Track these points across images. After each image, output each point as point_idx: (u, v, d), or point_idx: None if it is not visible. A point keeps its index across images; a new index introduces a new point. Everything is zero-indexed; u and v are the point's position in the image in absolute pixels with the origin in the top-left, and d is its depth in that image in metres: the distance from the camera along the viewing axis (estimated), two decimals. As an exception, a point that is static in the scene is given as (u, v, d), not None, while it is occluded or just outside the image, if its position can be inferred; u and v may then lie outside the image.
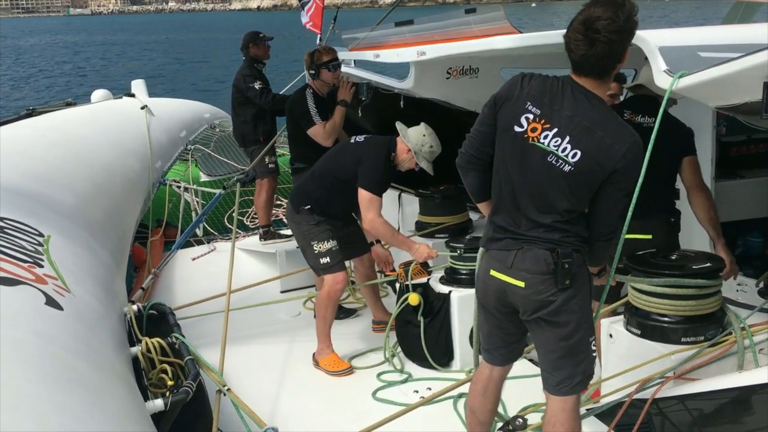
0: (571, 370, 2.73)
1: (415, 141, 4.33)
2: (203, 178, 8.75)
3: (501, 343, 2.95)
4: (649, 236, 3.63)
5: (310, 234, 4.44)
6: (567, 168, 2.58)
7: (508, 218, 2.73)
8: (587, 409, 3.19)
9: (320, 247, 4.40)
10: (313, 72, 5.31)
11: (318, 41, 7.43)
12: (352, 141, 4.52)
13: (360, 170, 4.27)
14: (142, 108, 7.98)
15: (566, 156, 2.57)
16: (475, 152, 2.82)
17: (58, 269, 3.45)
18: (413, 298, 4.36)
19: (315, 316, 4.60)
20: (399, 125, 4.40)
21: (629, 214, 2.81)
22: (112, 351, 3.17)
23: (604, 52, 2.51)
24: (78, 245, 4.26)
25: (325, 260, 4.41)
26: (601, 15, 2.47)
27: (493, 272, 2.77)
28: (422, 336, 4.33)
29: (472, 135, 2.85)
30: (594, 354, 2.80)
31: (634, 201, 2.73)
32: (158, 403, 3.04)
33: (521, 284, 2.67)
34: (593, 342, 2.77)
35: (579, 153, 2.56)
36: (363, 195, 4.25)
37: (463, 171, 2.91)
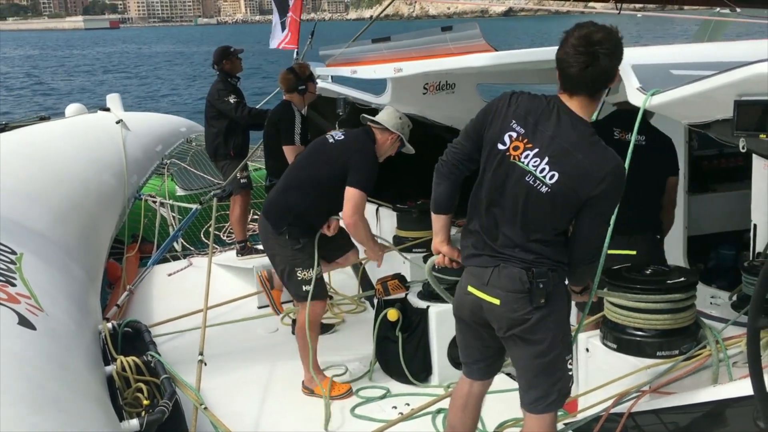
0: (546, 388, 2.74)
1: (396, 125, 4.20)
2: (179, 192, 8.69)
3: (479, 356, 2.96)
4: (634, 252, 3.69)
5: (295, 260, 4.20)
6: (544, 189, 2.59)
7: (486, 234, 2.74)
8: (565, 424, 3.21)
9: (304, 275, 4.19)
10: (303, 87, 5.32)
11: (294, 56, 7.45)
12: (331, 140, 4.23)
13: (352, 169, 4.02)
14: (117, 122, 7.92)
15: (544, 177, 2.59)
16: (457, 163, 2.82)
17: (31, 288, 3.41)
18: (392, 314, 4.36)
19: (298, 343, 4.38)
20: (367, 117, 4.26)
21: (610, 229, 2.84)
22: (86, 371, 3.13)
23: (603, 68, 2.52)
24: (51, 263, 4.20)
25: (307, 288, 4.19)
26: (599, 38, 2.50)
27: (470, 288, 2.79)
28: (401, 351, 4.32)
29: (456, 146, 2.84)
30: (571, 373, 2.80)
31: (613, 219, 2.77)
32: (133, 423, 3.01)
33: (496, 302, 2.69)
34: (570, 360, 2.79)
35: (557, 175, 2.57)
36: (353, 193, 4.01)
37: (440, 178, 2.88)
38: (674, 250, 5.02)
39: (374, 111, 5.55)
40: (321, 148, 4.25)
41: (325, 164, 4.14)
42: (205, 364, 4.28)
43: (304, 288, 4.21)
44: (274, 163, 5.47)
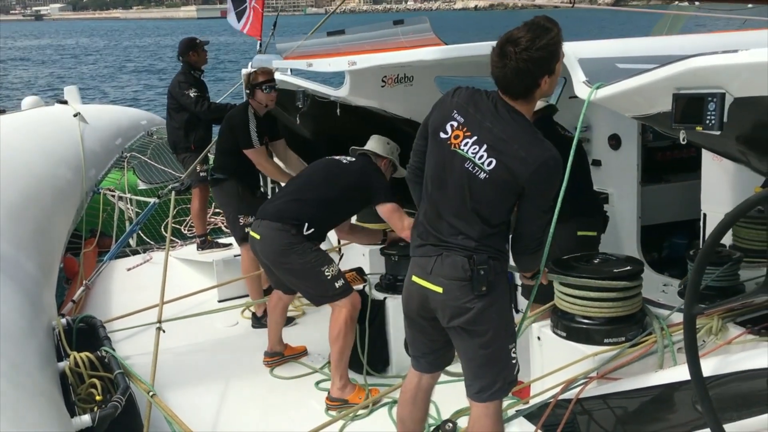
0: (491, 377, 2.80)
1: (385, 150, 4.38)
2: (141, 186, 8.60)
3: (426, 350, 3.01)
4: (594, 233, 3.88)
5: (318, 260, 4.07)
6: (482, 175, 2.66)
7: (431, 224, 2.80)
8: (516, 410, 3.28)
9: (332, 271, 4.07)
10: (248, 92, 5.28)
11: (258, 47, 7.41)
12: (345, 161, 4.36)
13: (375, 189, 4.15)
14: (75, 115, 7.80)
15: (482, 164, 2.65)
16: (420, 165, 2.91)
17: (-20, 285, 3.35)
18: (349, 306, 4.38)
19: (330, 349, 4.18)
20: (356, 149, 4.42)
21: (555, 215, 2.92)
22: (36, 368, 3.10)
23: (512, 76, 2.60)
24: (4, 259, 4.14)
25: (339, 283, 4.08)
26: (518, 39, 2.56)
27: (414, 278, 2.84)
28: (358, 342, 4.35)
29: (414, 149, 2.95)
30: (515, 361, 2.86)
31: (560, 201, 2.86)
32: (85, 419, 2.99)
33: (439, 290, 2.74)
34: (513, 349, 2.84)
35: (494, 162, 2.64)
36: (391, 207, 4.09)
37: (412, 183, 3.02)
38: (628, 239, 5.13)
39: (333, 107, 5.57)
40: (336, 170, 4.32)
41: (340, 185, 4.22)
42: (164, 331, 4.33)
43: (336, 285, 4.07)
44: (225, 158, 5.39)
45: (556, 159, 2.65)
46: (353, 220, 5.08)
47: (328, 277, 4.05)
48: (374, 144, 4.42)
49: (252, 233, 4.23)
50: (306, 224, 4.07)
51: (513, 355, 2.84)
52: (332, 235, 5.06)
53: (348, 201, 4.25)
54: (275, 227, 4.08)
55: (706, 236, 4.39)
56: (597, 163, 5.31)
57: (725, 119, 2.42)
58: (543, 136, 2.70)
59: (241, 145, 5.22)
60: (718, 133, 2.44)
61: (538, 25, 2.59)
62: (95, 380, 3.49)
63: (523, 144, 2.63)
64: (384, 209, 4.13)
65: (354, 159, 4.39)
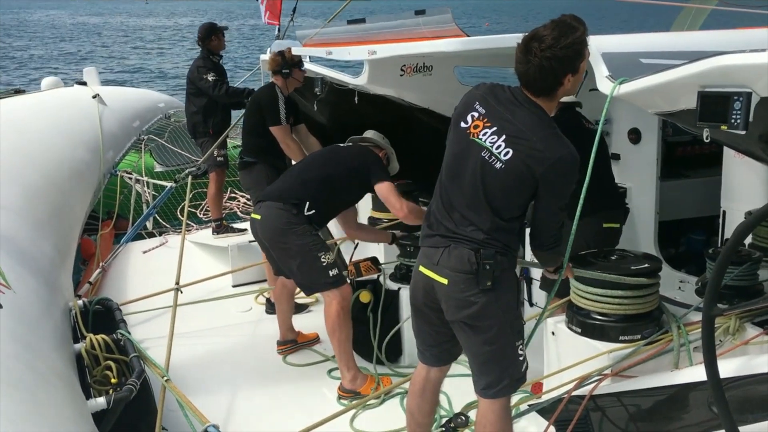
0: (497, 374, 2.79)
1: (383, 143, 4.40)
2: (158, 168, 8.64)
3: (432, 342, 3.00)
4: (618, 225, 3.91)
5: (316, 245, 4.03)
6: (498, 165, 2.65)
7: (442, 214, 2.80)
8: (529, 405, 3.27)
9: (328, 259, 4.02)
10: (287, 71, 5.31)
11: (276, 33, 7.39)
12: (344, 145, 4.42)
13: (373, 169, 4.14)
14: (94, 97, 7.84)
15: (499, 153, 2.65)
16: None
17: (-1, 265, 3.38)
18: (364, 296, 4.39)
19: (330, 339, 4.17)
20: (356, 138, 4.44)
21: (579, 207, 2.91)
22: (53, 349, 3.12)
23: (535, 73, 2.60)
24: (21, 240, 4.17)
25: (333, 272, 4.04)
26: (543, 37, 2.55)
27: (421, 268, 2.84)
28: (371, 332, 4.36)
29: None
30: (522, 358, 2.84)
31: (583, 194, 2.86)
32: (100, 402, 3.01)
33: (445, 281, 2.74)
34: (520, 346, 2.83)
35: (511, 152, 2.63)
36: (385, 186, 4.07)
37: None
38: (645, 234, 5.08)
39: (351, 95, 5.56)
40: (336, 152, 4.38)
41: (341, 165, 4.24)
42: (181, 292, 4.43)
43: (330, 273, 4.03)
44: (253, 140, 5.44)
45: (573, 155, 2.63)
46: (369, 212, 5.08)
47: (323, 264, 4.01)
48: (371, 135, 4.44)
49: (253, 215, 4.22)
50: (307, 203, 4.05)
51: (520, 352, 2.82)
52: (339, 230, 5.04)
53: (348, 181, 4.20)
54: (276, 206, 4.07)
55: (726, 234, 4.35)
56: (616, 157, 5.26)
57: (751, 119, 2.39)
58: (566, 129, 2.68)
59: (268, 122, 5.25)
60: (743, 132, 2.40)
61: (565, 23, 2.58)
62: (111, 363, 3.50)
63: (541, 138, 2.62)
64: (381, 187, 4.09)
65: (352, 145, 4.43)
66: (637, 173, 5.11)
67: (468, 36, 4.04)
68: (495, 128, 2.67)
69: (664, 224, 5.13)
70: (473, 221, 2.71)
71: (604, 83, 2.97)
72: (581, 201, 2.90)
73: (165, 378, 3.44)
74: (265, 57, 6.69)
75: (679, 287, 4.63)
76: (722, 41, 3.46)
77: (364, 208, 5.93)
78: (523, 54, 2.60)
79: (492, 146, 2.66)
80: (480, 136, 2.69)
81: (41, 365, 2.77)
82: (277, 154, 5.37)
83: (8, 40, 46.75)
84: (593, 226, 3.27)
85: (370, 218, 5.57)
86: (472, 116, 2.73)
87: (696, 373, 2.87)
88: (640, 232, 5.08)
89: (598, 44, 3.06)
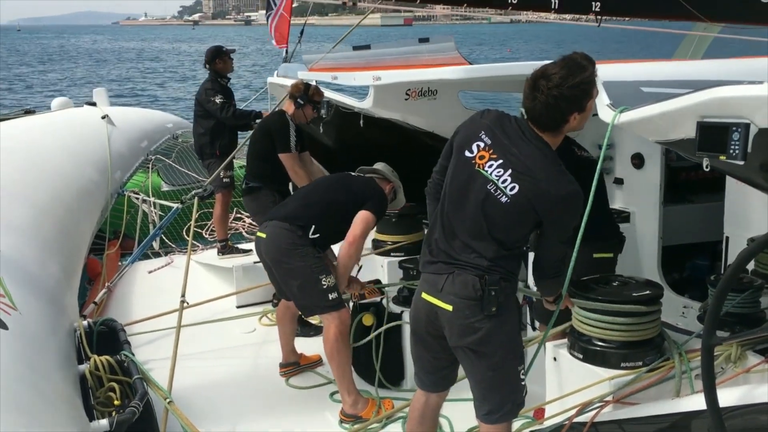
0: (500, 400, 2.80)
1: (392, 176, 4.46)
2: (165, 188, 8.70)
3: (431, 369, 3.02)
4: (610, 254, 3.82)
5: (318, 267, 4.04)
6: (504, 199, 2.67)
7: (443, 241, 2.82)
8: (531, 431, 3.27)
9: (329, 282, 4.03)
10: (302, 102, 5.35)
11: (284, 55, 7.47)
12: (354, 174, 4.47)
13: (371, 199, 4.18)
14: (103, 117, 7.93)
15: (505, 187, 2.67)
16: (441, 181, 2.94)
17: (6, 286, 3.41)
18: (367, 318, 4.40)
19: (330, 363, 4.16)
20: (365, 168, 4.50)
21: (578, 239, 2.93)
22: (57, 371, 3.15)
23: (542, 109, 2.63)
24: (29, 260, 4.22)
25: (333, 296, 4.04)
26: (551, 75, 2.59)
27: (424, 295, 2.85)
28: (374, 355, 4.36)
29: (438, 167, 2.98)
30: (523, 383, 2.86)
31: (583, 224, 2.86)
32: (103, 423, 3.03)
33: (449, 308, 2.75)
34: (522, 371, 2.85)
35: (517, 187, 2.65)
36: (367, 216, 4.10)
37: (429, 197, 3.05)
38: (648, 259, 5.09)
39: (357, 118, 5.61)
40: (345, 179, 4.43)
41: (347, 192, 4.28)
42: (187, 304, 4.45)
43: (330, 296, 4.03)
44: (259, 165, 5.45)
45: (577, 193, 2.66)
46: (373, 233, 5.10)
47: (324, 287, 4.02)
48: (381, 168, 4.51)
49: (259, 234, 4.25)
50: (312, 227, 4.08)
51: (522, 377, 2.84)
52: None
53: (350, 208, 4.21)
54: (282, 226, 4.10)
55: (729, 260, 4.35)
56: (619, 181, 5.28)
57: (749, 149, 2.41)
58: (563, 162, 2.70)
59: (278, 148, 5.28)
60: (742, 162, 2.43)
61: (574, 62, 2.61)
62: (114, 384, 3.53)
63: (546, 175, 2.64)
64: (364, 215, 4.10)
65: (361, 174, 4.49)
66: (641, 198, 5.13)
67: (470, 64, 4.11)
68: (501, 161, 2.68)
69: (667, 249, 5.14)
70: (476, 249, 2.73)
71: (604, 111, 3.01)
72: (581, 230, 2.91)
73: (168, 400, 3.46)
74: (273, 79, 6.78)
75: (683, 313, 4.63)
76: (723, 71, 3.50)
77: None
78: (530, 90, 2.63)
79: (498, 179, 2.67)
80: (486, 168, 2.70)
81: (45, 386, 2.80)
82: (281, 180, 5.40)
83: (50, 64, 49.91)
84: (582, 255, 3.24)
85: (374, 240, 5.60)
86: (478, 146, 2.74)
87: (697, 401, 2.86)
88: (644, 257, 5.09)
89: (600, 72, 3.09)
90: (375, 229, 5.52)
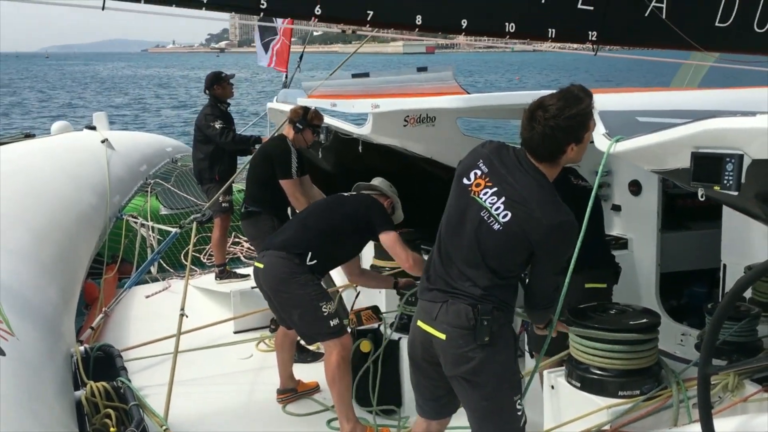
0: (493, 430, 2.80)
1: (390, 191, 4.45)
2: (163, 211, 8.72)
3: (430, 396, 3.01)
4: (604, 285, 3.79)
5: (318, 295, 4.04)
6: (496, 226, 2.70)
7: (441, 268, 2.84)
8: (529, 460, 3.25)
9: (329, 308, 4.03)
10: (301, 127, 5.37)
11: (284, 79, 7.54)
12: (347, 194, 4.44)
13: (376, 220, 4.14)
14: (102, 141, 7.96)
15: (498, 215, 2.69)
16: None
17: (3, 312, 3.40)
18: (365, 345, 4.39)
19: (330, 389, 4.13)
20: (363, 185, 4.50)
21: (570, 269, 2.93)
22: (53, 397, 3.14)
23: (539, 140, 2.67)
24: (26, 284, 4.22)
25: (334, 322, 4.03)
26: (548, 106, 2.62)
27: (419, 323, 2.87)
28: (371, 382, 4.35)
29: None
30: (520, 413, 2.85)
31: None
32: (98, 451, 3.01)
33: (442, 336, 2.76)
34: (518, 400, 2.84)
35: (509, 215, 2.68)
36: (392, 236, 4.05)
37: None
38: (646, 286, 5.09)
39: (356, 143, 5.65)
40: (339, 202, 4.38)
41: (344, 214, 4.25)
42: (187, 317, 4.45)
43: (331, 323, 4.03)
44: (258, 190, 5.47)
45: (571, 224, 2.68)
46: (371, 260, 5.10)
47: (325, 314, 4.02)
48: (379, 183, 4.49)
49: (256, 264, 4.24)
50: (309, 254, 4.07)
51: (518, 406, 2.83)
52: (342, 277, 5.05)
53: (350, 230, 4.22)
54: (279, 255, 4.09)
55: (726, 288, 4.36)
56: (617, 208, 5.30)
57: (743, 180, 2.44)
58: (559, 191, 2.72)
59: (279, 174, 5.29)
60: (736, 193, 2.45)
61: (571, 93, 2.65)
62: (110, 411, 3.52)
63: (540, 204, 2.66)
64: (387, 237, 4.08)
65: (356, 193, 4.47)
66: (638, 225, 5.15)
67: (467, 93, 4.16)
68: (495, 189, 2.71)
69: (666, 276, 5.15)
70: (470, 277, 2.74)
71: (601, 141, 3.04)
72: (573, 259, 2.92)
73: (164, 427, 3.45)
74: (273, 105, 6.83)
75: (681, 340, 4.62)
76: (719, 100, 3.54)
77: (367, 255, 5.97)
78: (528, 121, 2.66)
79: (491, 207, 2.70)
80: (480, 195, 2.74)
81: (42, 413, 2.79)
82: (280, 205, 5.42)
83: (78, 90, 52.45)
84: (574, 284, 3.24)
85: (372, 266, 5.61)
86: (475, 174, 2.78)
87: (695, 431, 2.86)
88: (642, 284, 5.09)
89: (597, 102, 3.13)
90: (373, 255, 5.54)
